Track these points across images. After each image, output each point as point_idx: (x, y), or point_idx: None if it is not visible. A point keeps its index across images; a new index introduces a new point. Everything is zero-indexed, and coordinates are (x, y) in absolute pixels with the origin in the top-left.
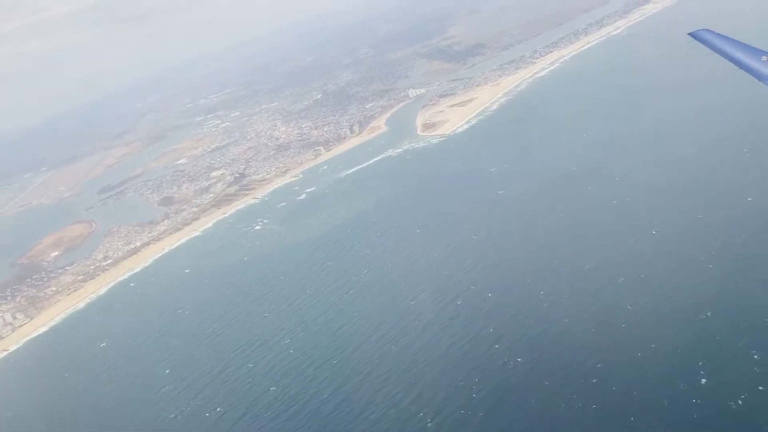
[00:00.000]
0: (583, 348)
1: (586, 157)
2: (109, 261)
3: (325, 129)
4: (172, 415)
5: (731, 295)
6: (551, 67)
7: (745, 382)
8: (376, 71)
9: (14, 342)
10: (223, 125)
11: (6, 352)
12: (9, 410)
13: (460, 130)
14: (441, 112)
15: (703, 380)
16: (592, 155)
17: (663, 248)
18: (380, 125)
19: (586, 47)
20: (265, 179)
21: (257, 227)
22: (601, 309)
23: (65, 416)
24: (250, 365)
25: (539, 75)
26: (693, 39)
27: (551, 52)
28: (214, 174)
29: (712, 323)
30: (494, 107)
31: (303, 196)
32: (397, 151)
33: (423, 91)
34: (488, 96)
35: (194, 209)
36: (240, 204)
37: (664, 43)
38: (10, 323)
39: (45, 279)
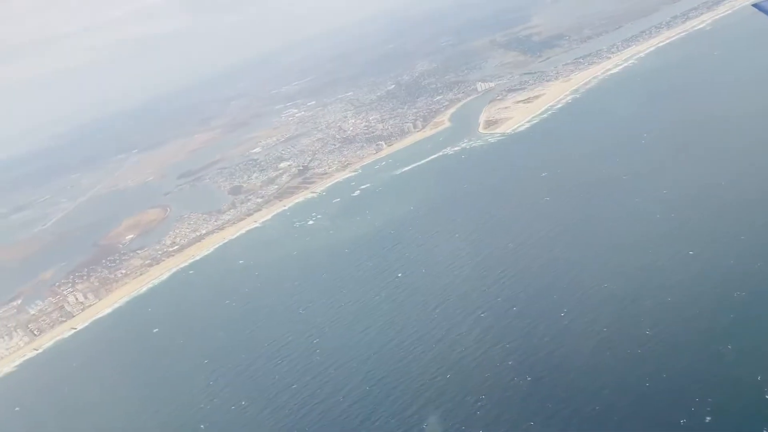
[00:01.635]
0: (592, 372)
1: (638, 165)
2: (176, 247)
3: (391, 122)
4: (203, 405)
5: (754, 328)
6: (625, 64)
7: (753, 423)
8: (451, 61)
9: (82, 321)
10: (299, 114)
11: (74, 330)
12: (66, 386)
13: (521, 129)
14: (506, 108)
15: (708, 418)
16: (645, 163)
17: (695, 271)
18: (444, 120)
19: (666, 42)
20: (327, 173)
21: (310, 222)
22: (618, 332)
23: (107, 398)
24: (278, 361)
25: (612, 71)
26: (757, 10)
27: (629, 46)
28: (281, 165)
29: (728, 357)
30: (559, 105)
31: (357, 193)
32: (455, 149)
33: (492, 84)
34: (556, 93)
35: (258, 200)
36: (299, 197)
37: (752, 39)
38: (81, 302)
39: (117, 261)
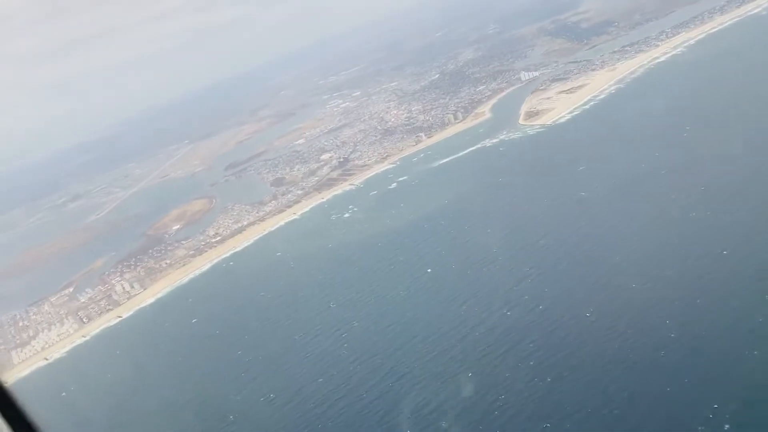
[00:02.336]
0: (612, 374)
1: (677, 159)
2: (218, 238)
3: (432, 113)
4: (233, 396)
5: None
6: (673, 52)
7: None
8: (497, 49)
9: (127, 310)
10: (344, 105)
11: (119, 319)
12: (109, 373)
13: (561, 120)
14: (548, 99)
15: (726, 426)
16: (685, 157)
17: (727, 272)
18: (485, 111)
19: (718, 28)
20: (366, 165)
21: (346, 215)
22: (642, 333)
23: (144, 387)
24: (307, 354)
25: (659, 60)
26: None
27: (679, 33)
28: (323, 157)
29: (752, 363)
30: (602, 96)
31: (394, 185)
32: (493, 141)
33: (536, 74)
34: (600, 82)
35: (299, 192)
36: (338, 189)
37: None
38: (128, 291)
39: (163, 251)
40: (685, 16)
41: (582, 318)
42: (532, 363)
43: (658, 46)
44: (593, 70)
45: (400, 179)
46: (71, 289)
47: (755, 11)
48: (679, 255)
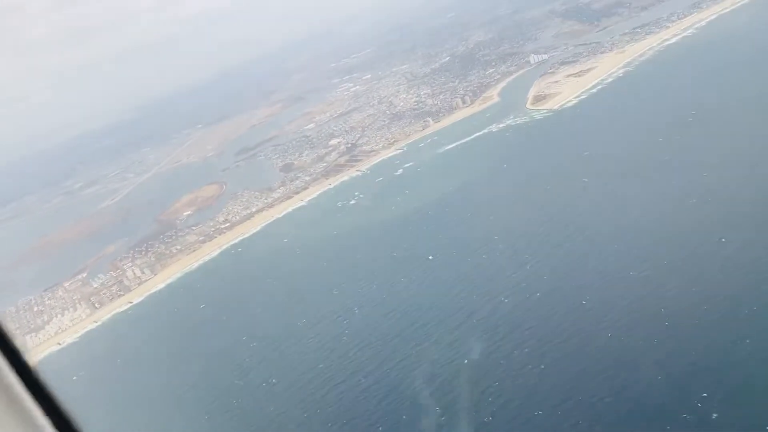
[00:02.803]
0: (604, 362)
1: (681, 145)
2: (228, 224)
3: (441, 97)
4: (237, 381)
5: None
6: (684, 34)
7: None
8: (508, 31)
9: (138, 295)
10: (354, 89)
11: (130, 304)
12: (119, 357)
13: (568, 104)
14: (556, 82)
15: (715, 414)
16: (689, 143)
17: (724, 259)
18: (493, 95)
19: (731, 7)
20: (373, 150)
21: (352, 202)
22: (636, 322)
23: (151, 371)
24: (309, 340)
25: (669, 42)
26: None
27: (691, 13)
28: (332, 142)
29: (744, 352)
30: (609, 80)
31: (400, 171)
32: (500, 126)
33: (546, 56)
34: (609, 65)
35: (307, 178)
36: (345, 176)
37: None
38: (139, 277)
39: (174, 237)
40: None
41: (578, 305)
42: (526, 350)
43: (668, 27)
44: (602, 52)
45: (406, 165)
46: (84, 275)
47: None
48: (677, 242)
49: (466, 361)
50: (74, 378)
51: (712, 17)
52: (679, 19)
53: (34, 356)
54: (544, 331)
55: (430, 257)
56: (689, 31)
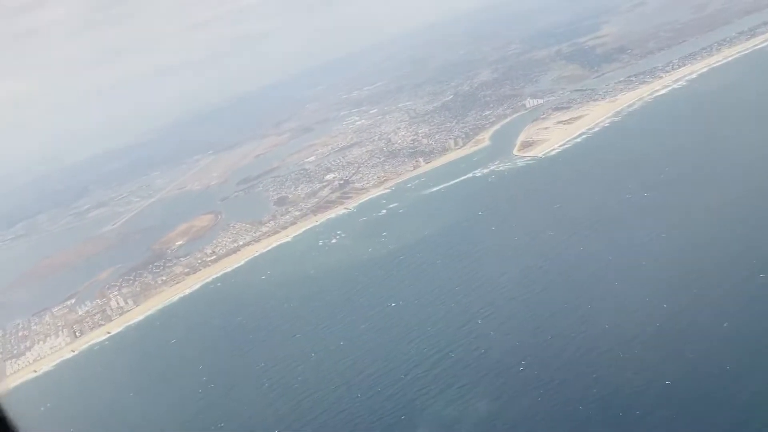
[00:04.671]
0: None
1: (649, 202)
2: (213, 257)
3: (436, 137)
4: (189, 421)
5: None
6: (674, 86)
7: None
8: (512, 72)
9: (117, 326)
10: (359, 122)
11: (108, 335)
12: (89, 389)
13: (552, 153)
14: (545, 129)
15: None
16: (657, 201)
17: (659, 321)
18: (485, 138)
19: (722, 62)
20: (364, 188)
21: (333, 241)
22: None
23: (115, 407)
24: (263, 383)
25: (659, 93)
26: None
27: (684, 65)
28: (327, 177)
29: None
30: (596, 129)
31: (383, 212)
32: (484, 171)
33: (541, 101)
34: (598, 114)
35: (297, 213)
36: (332, 213)
37: None
38: (121, 307)
39: (162, 267)
40: (697, 46)
41: (515, 368)
42: (462, 403)
43: (661, 78)
44: (595, 100)
45: (391, 206)
46: (73, 301)
47: (762, 45)
48: (631, 300)
49: (402, 417)
50: (41, 409)
51: (704, 70)
52: (673, 69)
53: (7, 385)
54: (479, 388)
55: (393, 304)
56: (680, 83)
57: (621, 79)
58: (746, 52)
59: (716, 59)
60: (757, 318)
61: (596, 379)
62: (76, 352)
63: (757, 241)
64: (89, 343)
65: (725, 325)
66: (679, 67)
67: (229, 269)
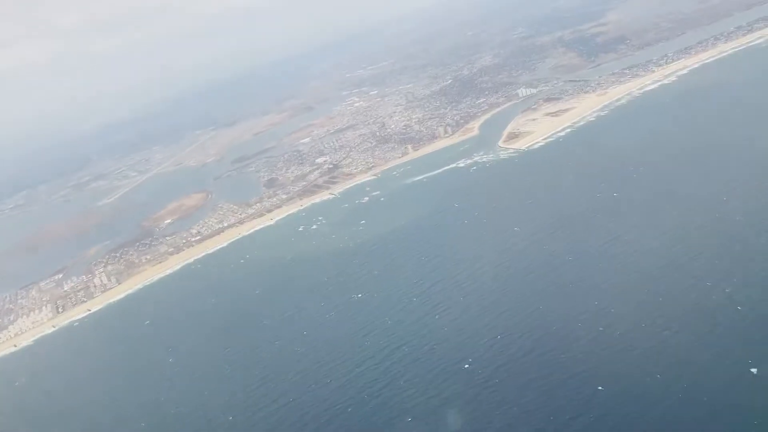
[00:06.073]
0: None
1: (616, 202)
2: (198, 237)
3: (428, 123)
4: (148, 403)
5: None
6: (664, 81)
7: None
8: (513, 58)
9: (98, 303)
10: (358, 104)
11: (89, 312)
12: (61, 368)
13: (535, 146)
14: (533, 120)
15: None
16: (624, 201)
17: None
18: (474, 128)
19: (715, 57)
20: (351, 174)
21: (313, 227)
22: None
23: (81, 388)
24: (225, 368)
25: (648, 88)
26: None
27: (679, 59)
28: (318, 160)
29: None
30: (581, 123)
31: (365, 200)
32: (468, 162)
33: (534, 91)
34: (586, 107)
35: (283, 196)
36: (317, 198)
37: None
38: (104, 284)
39: (148, 246)
40: (694, 38)
41: (461, 365)
42: (405, 397)
43: (654, 71)
44: (586, 92)
45: (374, 194)
46: (60, 276)
47: (756, 42)
48: (581, 303)
49: (349, 409)
50: (16, 384)
51: (696, 65)
52: (666, 63)
53: None
54: (423, 382)
55: (359, 295)
56: (670, 78)
57: (615, 70)
58: (740, 48)
59: (710, 54)
60: (697, 327)
61: (531, 381)
62: (56, 328)
63: (715, 253)
64: (69, 320)
65: (665, 333)
66: (673, 61)
67: (211, 250)
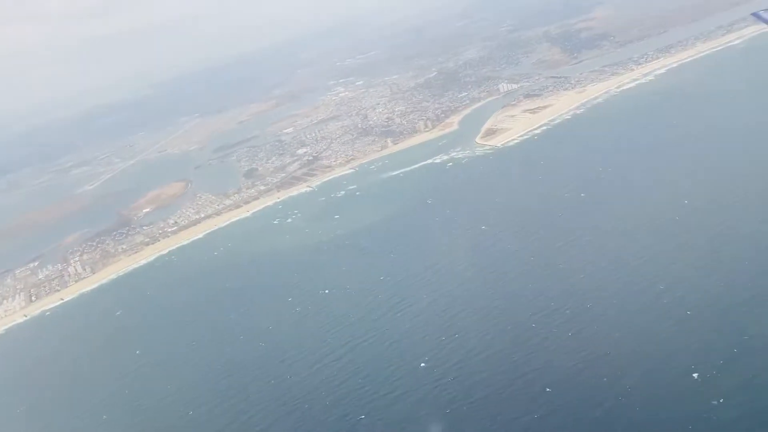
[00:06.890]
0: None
1: (580, 202)
2: (174, 228)
3: (410, 117)
4: (111, 395)
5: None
6: (641, 80)
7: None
8: (498, 51)
9: (71, 293)
10: (343, 94)
11: (62, 301)
12: (27, 360)
13: (510, 143)
14: (512, 117)
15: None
16: (588, 202)
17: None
18: (454, 122)
19: (693, 57)
20: (330, 166)
21: (288, 220)
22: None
23: (47, 382)
24: (189, 363)
25: (625, 87)
26: (756, 19)
27: (657, 58)
28: (299, 151)
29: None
30: (558, 121)
31: (341, 194)
32: (444, 158)
33: (515, 86)
34: (564, 104)
35: (262, 188)
36: (295, 190)
37: None
38: (78, 274)
39: (125, 235)
40: (674, 38)
41: (417, 363)
42: (361, 393)
43: (632, 70)
44: (565, 89)
45: (350, 188)
46: (36, 264)
47: (734, 42)
48: (538, 302)
49: (307, 406)
50: None
51: (674, 65)
52: (646, 62)
53: None
54: (376, 380)
55: (327, 291)
56: (648, 77)
57: (596, 68)
58: (718, 48)
59: (688, 54)
60: (647, 331)
61: (482, 380)
62: (27, 317)
63: (670, 257)
64: (41, 309)
65: (616, 335)
66: (652, 60)
67: (186, 242)
